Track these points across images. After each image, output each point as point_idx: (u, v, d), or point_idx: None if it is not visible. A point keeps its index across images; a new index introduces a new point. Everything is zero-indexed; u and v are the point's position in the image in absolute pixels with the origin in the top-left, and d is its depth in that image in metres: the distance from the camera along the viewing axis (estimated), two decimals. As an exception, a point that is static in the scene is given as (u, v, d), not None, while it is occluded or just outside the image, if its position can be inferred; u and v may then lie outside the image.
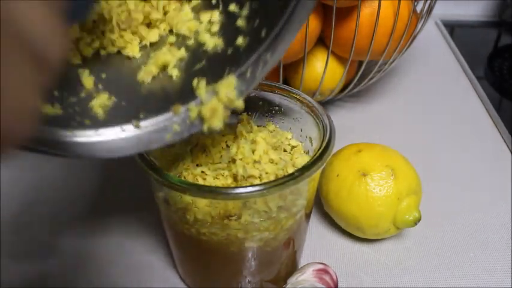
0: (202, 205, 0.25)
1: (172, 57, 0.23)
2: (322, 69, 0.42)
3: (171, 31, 0.24)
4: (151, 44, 0.24)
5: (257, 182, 0.25)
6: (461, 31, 0.67)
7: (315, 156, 0.25)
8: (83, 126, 0.21)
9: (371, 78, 0.46)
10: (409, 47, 0.45)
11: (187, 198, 0.25)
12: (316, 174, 0.26)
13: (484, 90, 0.53)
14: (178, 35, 0.24)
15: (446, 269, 0.34)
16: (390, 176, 0.33)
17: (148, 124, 0.22)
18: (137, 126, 0.22)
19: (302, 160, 0.27)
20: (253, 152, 0.26)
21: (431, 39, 0.64)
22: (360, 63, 0.46)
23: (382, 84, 0.54)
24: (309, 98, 0.30)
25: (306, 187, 0.27)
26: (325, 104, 0.50)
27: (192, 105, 0.22)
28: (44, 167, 0.43)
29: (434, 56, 0.60)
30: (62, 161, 0.44)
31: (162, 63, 0.23)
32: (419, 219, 0.33)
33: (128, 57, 0.24)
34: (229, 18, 0.23)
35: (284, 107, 0.31)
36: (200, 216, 0.25)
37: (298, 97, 0.30)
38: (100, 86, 0.22)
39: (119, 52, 0.23)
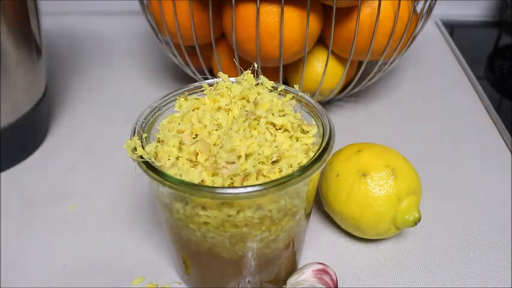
0: (207, 214, 0.25)
1: None
2: (322, 69, 0.42)
3: None
4: None
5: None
6: (461, 31, 0.67)
7: (315, 156, 0.25)
8: None
9: (371, 78, 0.46)
10: (409, 47, 0.45)
11: (191, 210, 0.25)
12: (316, 174, 0.26)
13: (484, 90, 0.52)
14: None
15: (447, 269, 0.34)
16: (390, 176, 0.32)
17: None
18: None
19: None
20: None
21: (431, 39, 0.64)
22: (360, 63, 0.46)
23: (382, 84, 0.54)
24: (309, 98, 0.30)
25: (306, 187, 0.27)
26: (325, 104, 0.50)
27: None
28: (45, 166, 0.43)
29: (434, 56, 0.60)
30: (65, 163, 0.44)
31: None
32: (419, 219, 0.33)
33: None
34: None
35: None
36: (206, 221, 0.25)
37: (297, 97, 0.30)
38: None
39: None
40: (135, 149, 0.26)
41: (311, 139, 0.27)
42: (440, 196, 0.39)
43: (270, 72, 0.42)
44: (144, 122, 0.28)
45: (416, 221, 0.33)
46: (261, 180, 0.24)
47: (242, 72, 0.31)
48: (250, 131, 0.26)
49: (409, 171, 0.33)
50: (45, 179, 0.42)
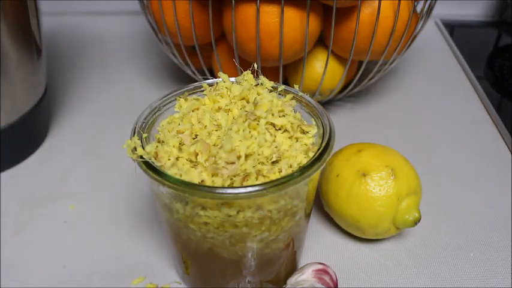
0: (207, 214, 0.25)
1: None
2: (322, 69, 0.42)
3: None
4: None
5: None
6: (461, 31, 0.67)
7: (315, 156, 0.25)
8: None
9: (371, 78, 0.46)
10: (409, 47, 0.45)
11: (191, 210, 0.25)
12: (316, 174, 0.26)
13: (484, 90, 0.52)
14: None
15: (447, 269, 0.34)
16: (390, 176, 0.32)
17: None
18: None
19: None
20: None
21: (431, 39, 0.64)
22: (360, 63, 0.46)
23: (382, 84, 0.54)
24: (309, 98, 0.30)
25: (306, 187, 0.27)
26: (325, 104, 0.50)
27: None
28: (45, 166, 0.43)
29: (434, 56, 0.60)
30: (65, 164, 0.44)
31: None
32: (419, 219, 0.33)
33: None
34: None
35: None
36: (206, 221, 0.25)
37: (297, 97, 0.30)
38: None
39: None
40: (135, 149, 0.26)
41: (311, 139, 0.27)
42: (440, 196, 0.39)
43: (270, 72, 0.42)
44: (144, 122, 0.28)
45: (416, 221, 0.33)
46: (261, 180, 0.24)
47: (242, 72, 0.31)
48: (250, 132, 0.26)
49: (409, 171, 0.33)
50: (45, 178, 0.42)
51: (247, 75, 0.30)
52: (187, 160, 0.25)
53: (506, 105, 0.52)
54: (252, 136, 0.26)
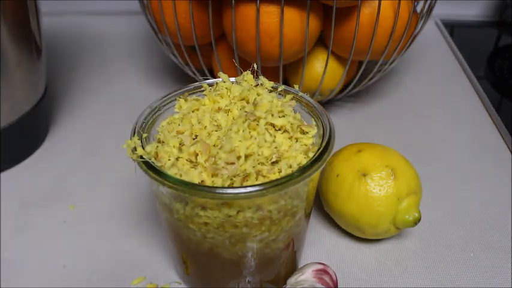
0: (207, 214, 0.25)
1: None
2: (322, 69, 0.42)
3: None
4: None
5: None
6: (461, 31, 0.67)
7: (315, 156, 0.25)
8: None
9: (371, 78, 0.46)
10: (409, 47, 0.45)
11: (191, 210, 0.25)
12: (315, 175, 0.26)
13: (484, 90, 0.52)
14: None
15: (447, 269, 0.34)
16: (390, 176, 0.32)
17: None
18: None
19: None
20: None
21: (431, 39, 0.64)
22: (360, 63, 0.46)
23: (382, 84, 0.54)
24: (309, 98, 0.30)
25: (306, 187, 0.27)
26: (325, 104, 0.50)
27: None
28: (45, 166, 0.43)
29: (434, 56, 0.60)
30: (65, 164, 0.44)
31: None
32: (419, 219, 0.33)
33: None
34: None
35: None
36: (206, 221, 0.25)
37: (297, 97, 0.30)
38: None
39: None
40: (135, 149, 0.26)
41: (310, 140, 0.27)
42: (440, 196, 0.39)
43: (270, 72, 0.42)
44: (144, 122, 0.28)
45: (416, 221, 0.33)
46: (261, 180, 0.24)
47: (242, 72, 0.31)
48: (249, 132, 0.26)
49: (409, 171, 0.33)
50: (45, 179, 0.42)
51: (247, 75, 0.30)
52: (187, 160, 0.25)
53: (506, 105, 0.52)
54: (251, 136, 0.26)
